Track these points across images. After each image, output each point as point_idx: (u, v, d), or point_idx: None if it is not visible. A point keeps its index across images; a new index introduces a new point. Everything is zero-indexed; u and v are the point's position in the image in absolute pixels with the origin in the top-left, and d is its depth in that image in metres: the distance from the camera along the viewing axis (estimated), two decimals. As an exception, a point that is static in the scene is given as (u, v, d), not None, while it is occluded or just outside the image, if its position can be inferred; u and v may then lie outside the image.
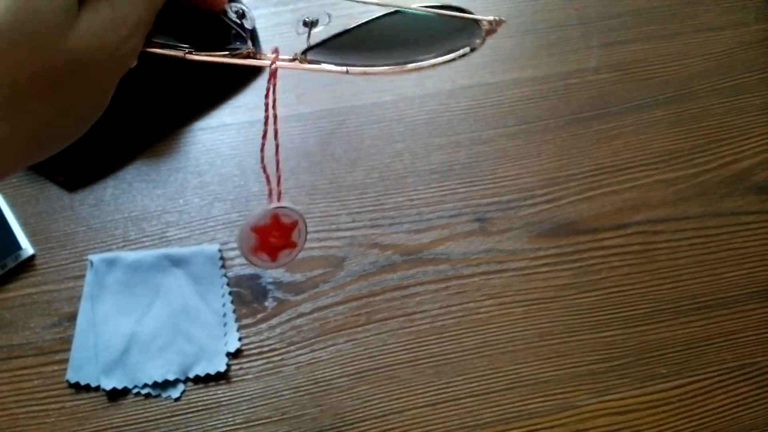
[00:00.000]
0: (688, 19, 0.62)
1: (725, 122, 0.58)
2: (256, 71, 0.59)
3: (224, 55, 0.25)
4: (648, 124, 0.58)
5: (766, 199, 0.55)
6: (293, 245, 0.29)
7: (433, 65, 0.26)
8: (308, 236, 0.31)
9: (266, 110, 0.25)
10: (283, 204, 0.28)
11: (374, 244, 0.52)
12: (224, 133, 0.56)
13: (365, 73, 0.26)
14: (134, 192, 0.54)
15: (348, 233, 0.53)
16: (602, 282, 0.52)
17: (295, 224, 0.28)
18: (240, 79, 0.58)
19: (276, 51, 0.25)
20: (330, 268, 0.51)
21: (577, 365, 0.49)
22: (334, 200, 0.54)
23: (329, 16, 0.25)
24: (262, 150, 0.26)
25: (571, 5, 0.62)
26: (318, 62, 0.26)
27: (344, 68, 0.25)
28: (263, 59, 0.25)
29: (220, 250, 0.51)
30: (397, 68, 0.26)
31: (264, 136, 0.25)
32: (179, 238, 0.52)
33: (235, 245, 0.52)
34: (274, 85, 0.25)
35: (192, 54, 0.25)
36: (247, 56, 0.25)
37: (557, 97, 0.58)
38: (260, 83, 0.59)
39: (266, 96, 0.25)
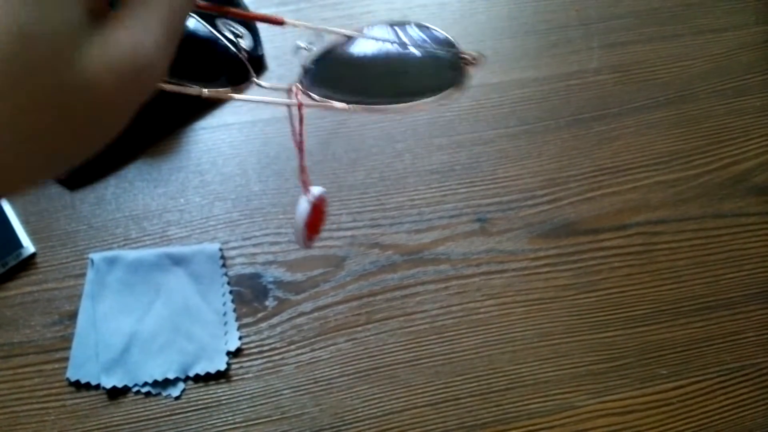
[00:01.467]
0: (689, 20, 0.62)
1: (726, 124, 0.58)
2: (258, 70, 0.59)
3: (229, 91, 0.26)
4: (648, 126, 0.58)
5: (767, 200, 0.55)
6: (324, 215, 0.33)
7: (411, 107, 0.28)
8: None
9: (298, 141, 0.29)
10: (317, 192, 0.31)
11: (375, 244, 0.52)
12: (225, 132, 0.56)
13: (370, 111, 0.28)
14: (135, 191, 0.54)
15: (349, 233, 0.53)
16: (602, 282, 0.52)
17: (323, 201, 0.32)
18: (241, 80, 0.58)
19: (296, 89, 0.27)
20: (330, 268, 0.51)
21: (577, 365, 0.49)
22: (334, 200, 0.54)
23: (322, 35, 0.27)
24: (301, 169, 0.30)
25: (573, 6, 0.62)
26: (328, 97, 0.29)
27: (349, 106, 0.28)
28: (280, 87, 0.27)
29: (220, 249, 0.51)
30: (399, 106, 0.28)
31: (301, 157, 0.30)
32: (180, 237, 0.52)
33: (235, 244, 0.52)
34: (301, 122, 0.28)
35: (208, 91, 0.26)
36: (246, 81, 0.27)
37: (558, 98, 0.58)
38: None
39: (294, 132, 0.29)
